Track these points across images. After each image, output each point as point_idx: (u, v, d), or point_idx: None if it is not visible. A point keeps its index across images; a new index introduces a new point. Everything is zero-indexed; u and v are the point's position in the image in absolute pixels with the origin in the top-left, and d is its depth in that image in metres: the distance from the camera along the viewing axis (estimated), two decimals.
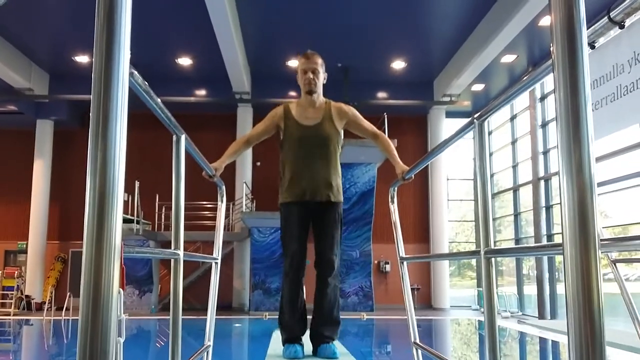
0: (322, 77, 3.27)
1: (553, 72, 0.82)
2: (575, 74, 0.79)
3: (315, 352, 3.22)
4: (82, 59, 15.40)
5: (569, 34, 0.79)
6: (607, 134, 9.61)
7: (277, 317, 3.36)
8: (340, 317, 3.34)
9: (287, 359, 3.12)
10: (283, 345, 3.25)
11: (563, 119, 0.78)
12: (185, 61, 15.83)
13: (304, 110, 3.28)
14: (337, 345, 3.28)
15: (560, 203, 0.76)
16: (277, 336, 3.56)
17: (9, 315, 14.94)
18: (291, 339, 3.23)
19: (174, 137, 1.65)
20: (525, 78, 1.31)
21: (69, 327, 12.57)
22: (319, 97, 3.29)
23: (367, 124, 3.36)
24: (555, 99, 0.82)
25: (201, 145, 2.07)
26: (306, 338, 3.29)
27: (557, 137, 0.79)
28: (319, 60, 3.24)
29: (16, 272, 15.92)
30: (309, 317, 3.32)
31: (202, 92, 17.49)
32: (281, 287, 3.36)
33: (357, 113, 3.36)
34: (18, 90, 16.05)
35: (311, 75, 3.21)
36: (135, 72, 1.04)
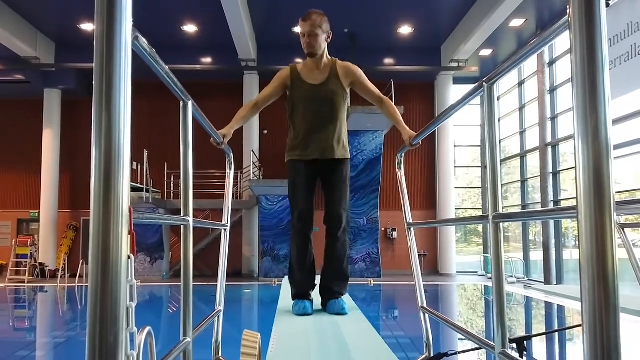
0: (322, 38, 3.18)
1: (569, 32, 0.80)
2: (593, 34, 0.77)
3: (324, 308, 3.27)
4: (88, 26, 15.25)
5: None
6: (620, 96, 9.43)
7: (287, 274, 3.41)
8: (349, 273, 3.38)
9: (296, 314, 3.16)
10: (292, 300, 3.29)
11: (579, 81, 0.76)
12: (190, 28, 15.64)
13: (310, 70, 3.26)
14: (346, 300, 3.33)
15: (575, 166, 0.75)
16: (286, 292, 3.59)
17: (24, 282, 15.24)
18: (300, 294, 3.27)
19: (181, 104, 1.63)
20: (535, 39, 1.28)
21: (83, 294, 12.82)
22: (323, 57, 3.25)
23: (372, 87, 3.33)
24: (571, 60, 0.79)
25: (208, 114, 2.05)
26: (316, 293, 3.33)
27: (573, 100, 0.77)
28: (317, 21, 3.13)
29: (29, 240, 16.16)
30: (318, 278, 3.35)
31: (207, 59, 17.33)
32: (290, 243, 3.39)
33: (363, 74, 3.32)
34: (25, 59, 15.99)
35: (308, 40, 3.15)
36: (140, 36, 1.02)
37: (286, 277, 3.59)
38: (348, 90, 3.32)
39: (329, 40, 3.25)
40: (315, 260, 3.36)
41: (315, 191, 3.33)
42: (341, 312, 3.16)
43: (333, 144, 3.24)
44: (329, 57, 3.29)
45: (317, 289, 3.35)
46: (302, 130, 3.24)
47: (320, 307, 3.30)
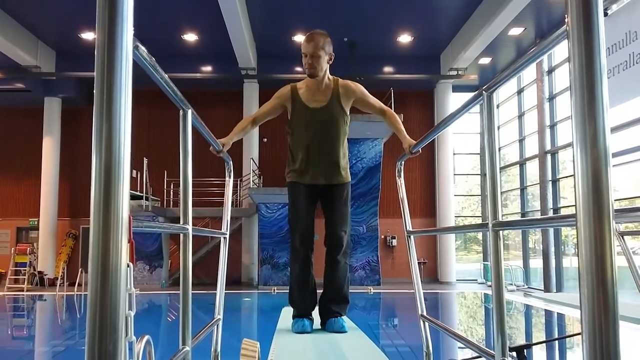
0: (324, 59, 3.15)
1: (568, 41, 0.80)
2: (591, 43, 0.77)
3: (323, 326, 3.25)
4: (88, 35, 15.31)
5: (584, 0, 0.77)
6: (619, 104, 9.46)
7: (287, 292, 3.39)
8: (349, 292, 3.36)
9: (295, 332, 3.15)
10: (292, 319, 3.28)
11: (578, 90, 0.76)
12: (190, 37, 15.70)
13: (311, 92, 3.24)
14: (346, 321, 3.31)
15: (574, 174, 0.75)
16: (286, 311, 3.59)
17: (23, 290, 15.19)
18: (301, 314, 3.26)
19: (181, 112, 1.64)
20: (534, 48, 1.28)
21: (82, 302, 12.78)
22: (325, 78, 3.22)
23: (374, 100, 3.32)
24: (569, 69, 0.80)
25: (208, 122, 2.06)
26: (315, 313, 3.32)
27: (572, 108, 0.77)
28: (320, 42, 3.11)
29: (28, 249, 16.11)
30: (319, 291, 3.34)
31: (207, 68, 17.39)
32: (290, 264, 3.37)
33: (365, 91, 3.31)
34: (25, 68, 16.03)
35: (310, 61, 3.13)
36: (141, 46, 1.03)
37: (287, 284, 3.57)
38: (349, 112, 3.30)
39: (330, 62, 3.23)
40: (315, 277, 3.33)
41: (316, 211, 3.32)
42: (340, 331, 3.15)
43: (334, 169, 3.23)
44: (330, 77, 3.27)
45: (316, 308, 3.34)
46: (302, 154, 3.23)
47: (320, 327, 3.29)
